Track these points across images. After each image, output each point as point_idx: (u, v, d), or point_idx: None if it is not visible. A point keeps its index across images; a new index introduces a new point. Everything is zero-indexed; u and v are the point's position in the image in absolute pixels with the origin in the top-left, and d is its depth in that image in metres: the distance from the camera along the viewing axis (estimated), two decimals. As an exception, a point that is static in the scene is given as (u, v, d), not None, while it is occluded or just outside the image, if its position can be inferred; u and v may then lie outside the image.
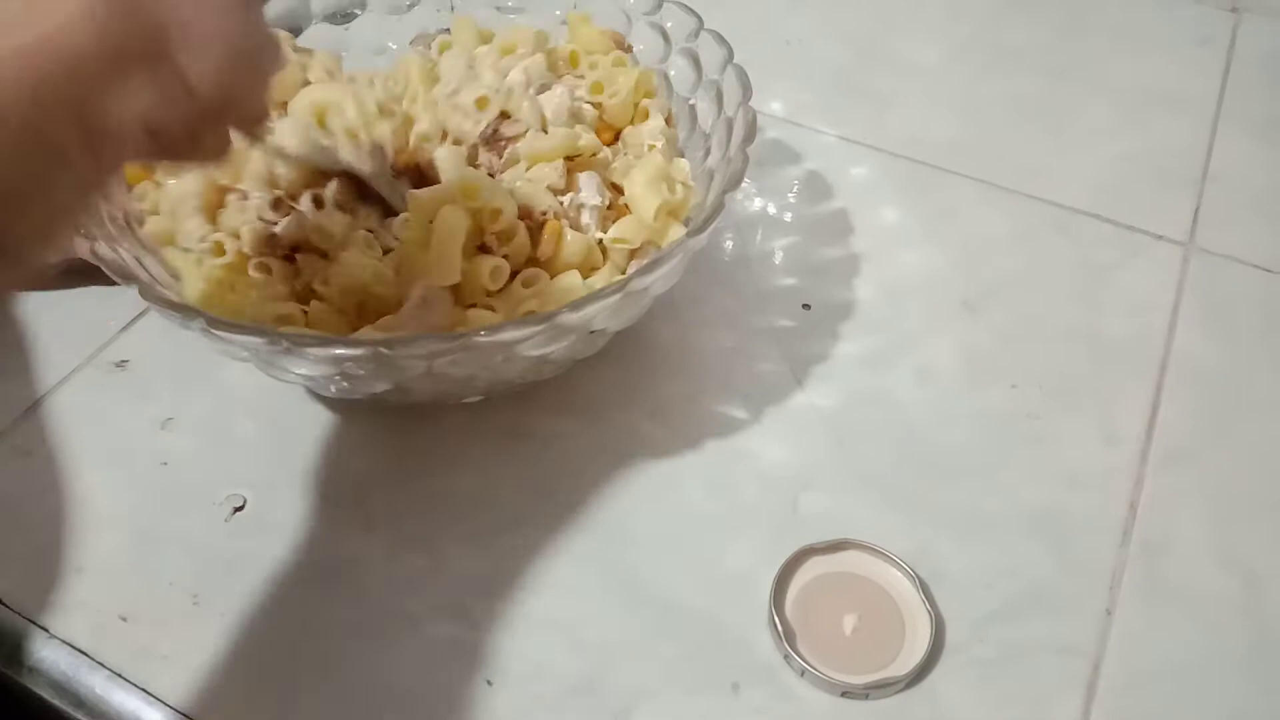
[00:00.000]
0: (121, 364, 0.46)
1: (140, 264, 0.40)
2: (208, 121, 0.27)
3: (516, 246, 0.42)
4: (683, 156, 0.48)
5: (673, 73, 0.50)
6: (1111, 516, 0.41)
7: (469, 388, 0.42)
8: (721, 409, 0.45)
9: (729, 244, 0.52)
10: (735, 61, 0.46)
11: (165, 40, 0.25)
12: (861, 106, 0.61)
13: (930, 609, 0.37)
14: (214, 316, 0.34)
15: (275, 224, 0.41)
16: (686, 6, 0.49)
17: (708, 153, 0.46)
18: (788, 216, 0.54)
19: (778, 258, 0.52)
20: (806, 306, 0.49)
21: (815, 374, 0.46)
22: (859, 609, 0.37)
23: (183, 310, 0.35)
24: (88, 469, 0.42)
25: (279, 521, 0.41)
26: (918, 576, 0.37)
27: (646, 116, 0.48)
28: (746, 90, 0.45)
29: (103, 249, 0.37)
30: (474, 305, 0.41)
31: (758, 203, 0.55)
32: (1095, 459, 0.43)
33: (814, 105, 0.61)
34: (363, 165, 0.42)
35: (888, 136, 0.59)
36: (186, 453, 0.43)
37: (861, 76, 0.63)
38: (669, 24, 0.50)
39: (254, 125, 0.31)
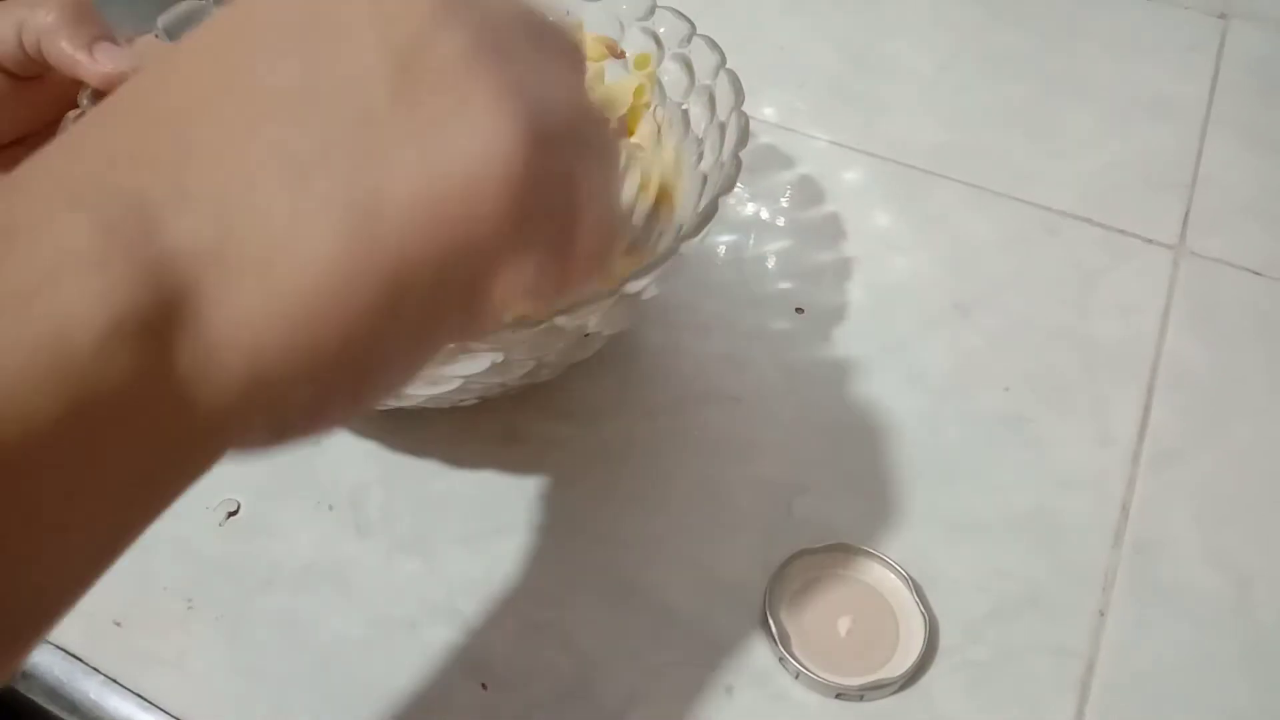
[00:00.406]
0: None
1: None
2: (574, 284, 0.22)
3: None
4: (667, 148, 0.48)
5: (665, 78, 0.50)
6: (1104, 518, 0.42)
7: (463, 391, 0.42)
8: (714, 413, 0.45)
9: (721, 249, 0.53)
10: (728, 66, 0.46)
11: (572, 208, 0.20)
12: (853, 112, 0.61)
13: (924, 611, 0.37)
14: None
15: None
16: (679, 12, 0.50)
17: (700, 157, 0.47)
18: (780, 221, 0.54)
19: (770, 262, 0.52)
20: (799, 310, 0.49)
21: (808, 377, 0.47)
22: (853, 611, 0.37)
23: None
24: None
25: (273, 525, 0.41)
26: (911, 578, 0.38)
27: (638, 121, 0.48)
28: (739, 95, 0.45)
29: None
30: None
31: (750, 207, 0.55)
32: (1087, 461, 0.44)
33: (806, 110, 0.61)
34: None
35: (878, 141, 0.59)
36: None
37: (853, 82, 0.63)
38: (661, 29, 0.50)
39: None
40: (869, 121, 0.60)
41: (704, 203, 0.42)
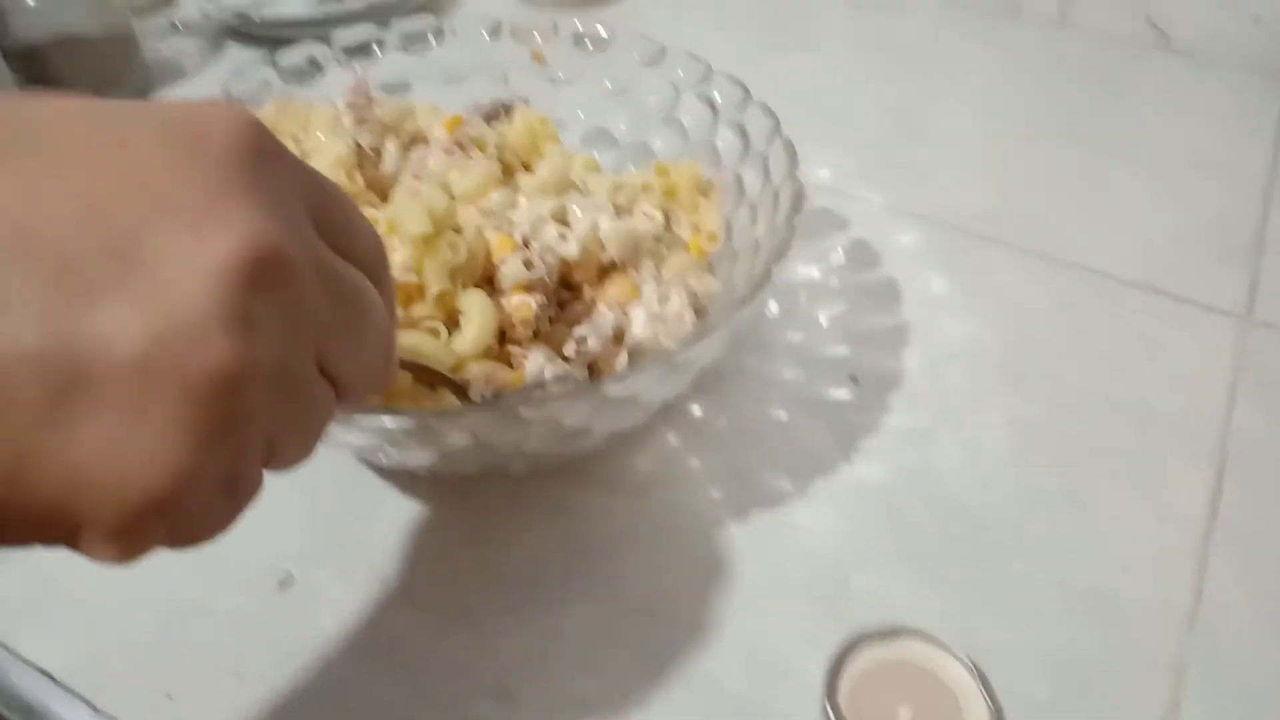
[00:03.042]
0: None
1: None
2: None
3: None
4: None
5: (720, 143, 0.51)
6: (1171, 601, 0.40)
7: (515, 460, 0.42)
8: (768, 483, 0.44)
9: (775, 311, 0.52)
10: (782, 133, 0.46)
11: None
12: (905, 175, 0.61)
13: (989, 700, 0.36)
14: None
15: None
16: (734, 78, 0.50)
17: (754, 222, 0.47)
18: (833, 283, 0.54)
19: (824, 326, 0.51)
20: (854, 378, 0.49)
21: (863, 448, 0.46)
22: (915, 699, 0.36)
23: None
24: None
25: (324, 596, 0.40)
26: (976, 667, 0.36)
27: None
28: (793, 161, 0.45)
29: None
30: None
31: (802, 270, 0.55)
32: (1150, 539, 0.42)
33: (858, 174, 0.61)
34: None
35: (931, 205, 0.59)
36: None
37: (904, 146, 0.63)
38: (716, 95, 0.51)
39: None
40: (921, 185, 0.60)
41: (758, 269, 0.42)
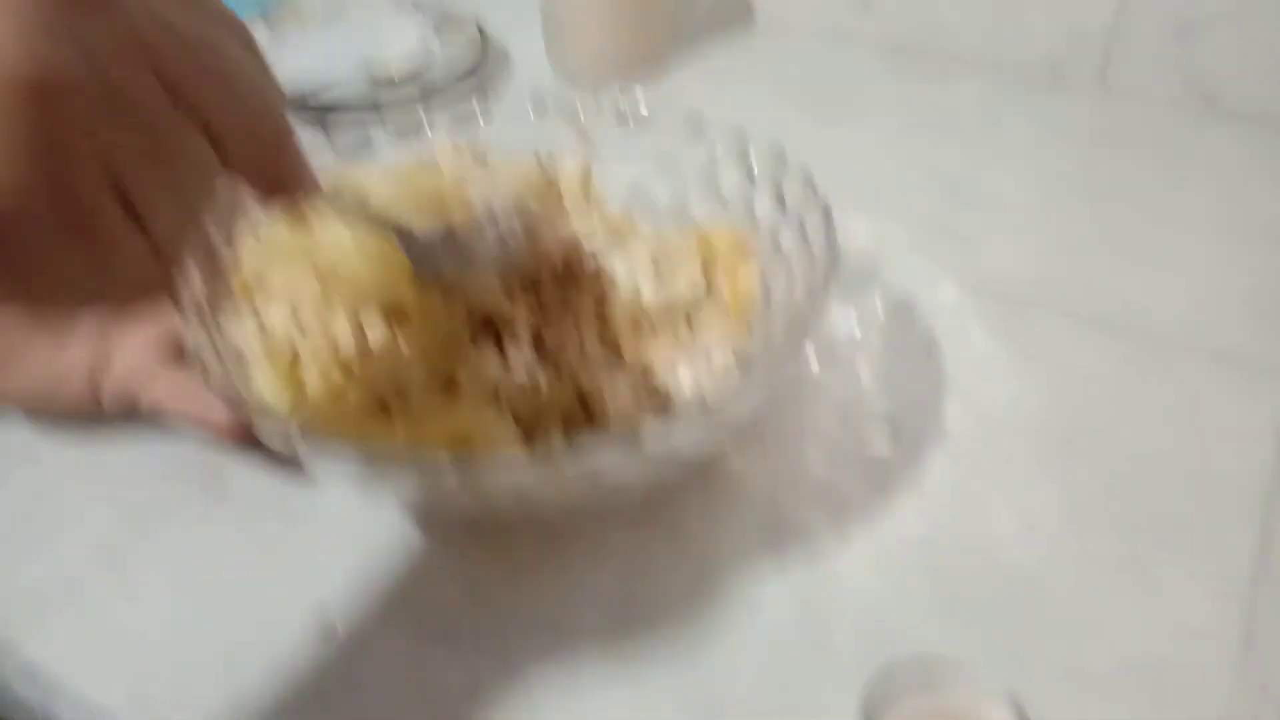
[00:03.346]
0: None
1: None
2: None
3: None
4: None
5: (758, 208, 0.51)
6: (1233, 674, 0.39)
7: (554, 510, 0.43)
8: (810, 542, 0.44)
9: (815, 369, 0.52)
10: (818, 196, 0.47)
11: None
12: (952, 239, 0.61)
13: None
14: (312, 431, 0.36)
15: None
16: (772, 145, 0.51)
17: (791, 280, 0.47)
18: (876, 343, 0.54)
19: (868, 385, 0.51)
20: (897, 435, 0.48)
21: (909, 507, 0.45)
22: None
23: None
24: (181, 594, 0.44)
25: (366, 645, 0.41)
26: (1020, 709, 0.35)
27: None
28: (829, 221, 0.45)
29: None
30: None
31: (844, 329, 0.55)
32: (1210, 610, 0.41)
33: (905, 240, 0.61)
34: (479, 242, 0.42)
35: (978, 268, 0.58)
36: (279, 569, 0.44)
37: (952, 211, 0.63)
38: (754, 162, 0.52)
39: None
40: (968, 250, 0.60)
41: (795, 326, 0.42)
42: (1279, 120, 0.68)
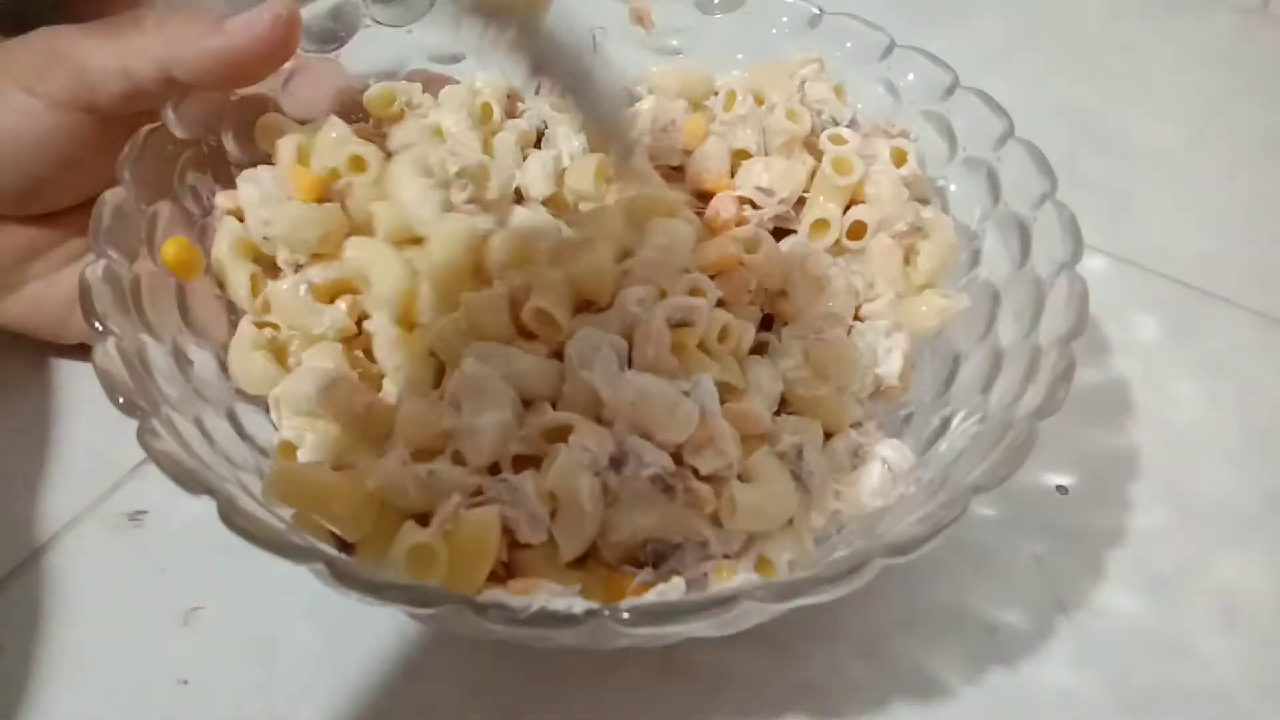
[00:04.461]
0: (135, 516, 0.34)
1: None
2: None
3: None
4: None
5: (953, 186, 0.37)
6: None
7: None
8: (961, 648, 0.32)
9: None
10: (1055, 197, 0.33)
11: None
12: (1093, 200, 0.48)
13: None
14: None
15: None
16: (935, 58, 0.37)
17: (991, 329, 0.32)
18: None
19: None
20: (1061, 489, 0.36)
21: (1085, 603, 0.33)
22: None
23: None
24: (74, 681, 0.30)
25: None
26: None
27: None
28: (1076, 243, 0.31)
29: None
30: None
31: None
32: None
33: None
34: None
35: (1127, 244, 0.45)
36: (216, 665, 0.31)
37: (1087, 161, 0.50)
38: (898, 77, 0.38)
39: None
40: (1113, 215, 0.47)
41: (1016, 431, 0.26)
42: None
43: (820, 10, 0.40)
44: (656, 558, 0.28)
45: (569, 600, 0.22)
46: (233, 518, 0.23)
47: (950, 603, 0.33)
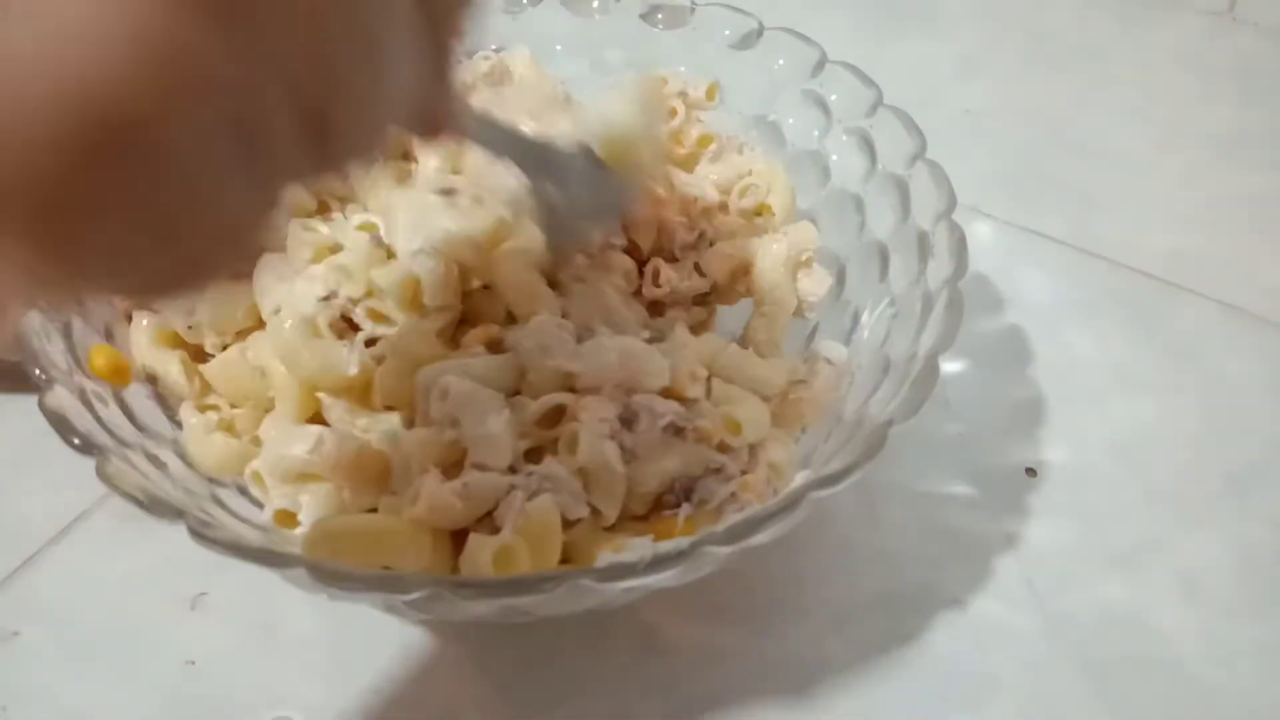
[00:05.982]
0: (144, 508, 0.36)
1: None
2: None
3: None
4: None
5: (833, 158, 0.39)
6: None
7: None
8: (929, 622, 0.34)
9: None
10: (926, 156, 0.35)
11: None
12: (1058, 199, 0.49)
13: None
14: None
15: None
16: (854, 69, 0.38)
17: (886, 288, 0.35)
18: (976, 344, 0.42)
19: (980, 407, 0.40)
20: (1030, 471, 0.38)
21: (1052, 579, 0.35)
22: None
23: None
24: (87, 663, 0.32)
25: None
26: None
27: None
28: (947, 197, 0.34)
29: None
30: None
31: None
32: None
33: (1003, 194, 0.49)
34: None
35: (1096, 240, 0.47)
36: (221, 647, 0.32)
37: (1053, 163, 0.51)
38: (832, 95, 0.39)
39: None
40: (1080, 214, 0.49)
41: (919, 366, 0.30)
42: None
43: (760, 26, 0.41)
44: (686, 493, 0.30)
45: (655, 546, 0.26)
46: (205, 534, 0.25)
47: (922, 580, 0.35)
